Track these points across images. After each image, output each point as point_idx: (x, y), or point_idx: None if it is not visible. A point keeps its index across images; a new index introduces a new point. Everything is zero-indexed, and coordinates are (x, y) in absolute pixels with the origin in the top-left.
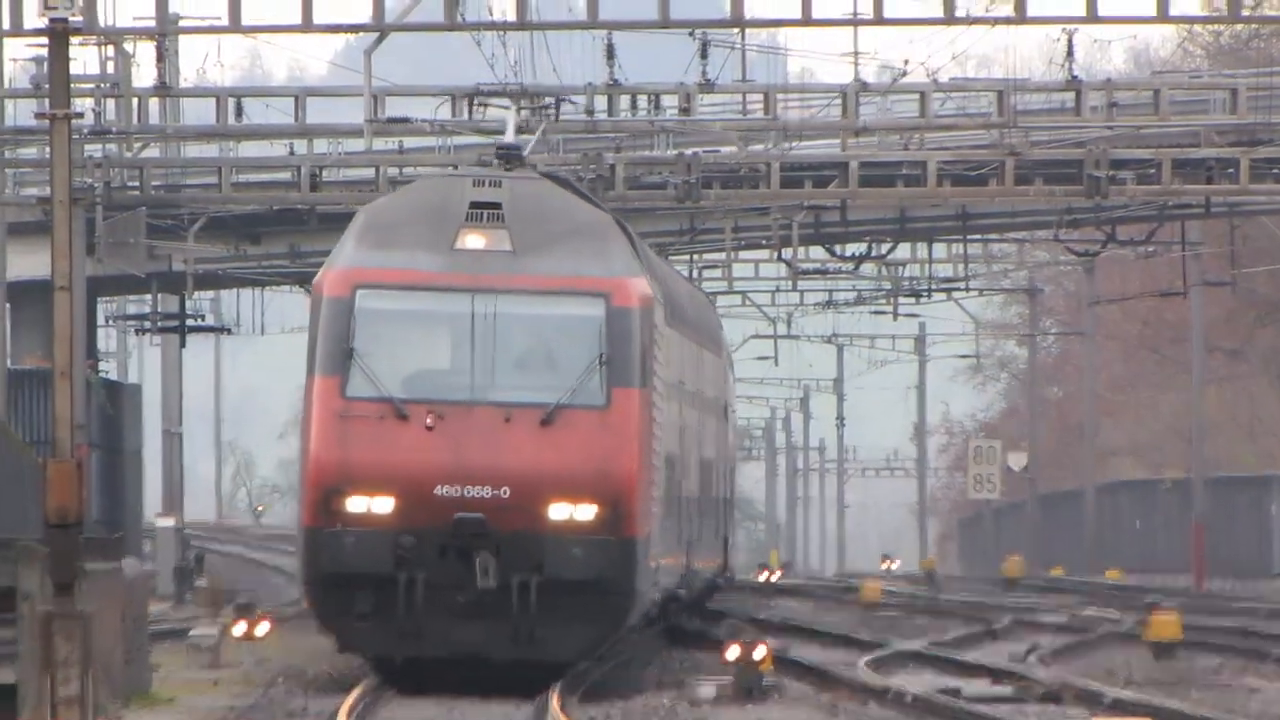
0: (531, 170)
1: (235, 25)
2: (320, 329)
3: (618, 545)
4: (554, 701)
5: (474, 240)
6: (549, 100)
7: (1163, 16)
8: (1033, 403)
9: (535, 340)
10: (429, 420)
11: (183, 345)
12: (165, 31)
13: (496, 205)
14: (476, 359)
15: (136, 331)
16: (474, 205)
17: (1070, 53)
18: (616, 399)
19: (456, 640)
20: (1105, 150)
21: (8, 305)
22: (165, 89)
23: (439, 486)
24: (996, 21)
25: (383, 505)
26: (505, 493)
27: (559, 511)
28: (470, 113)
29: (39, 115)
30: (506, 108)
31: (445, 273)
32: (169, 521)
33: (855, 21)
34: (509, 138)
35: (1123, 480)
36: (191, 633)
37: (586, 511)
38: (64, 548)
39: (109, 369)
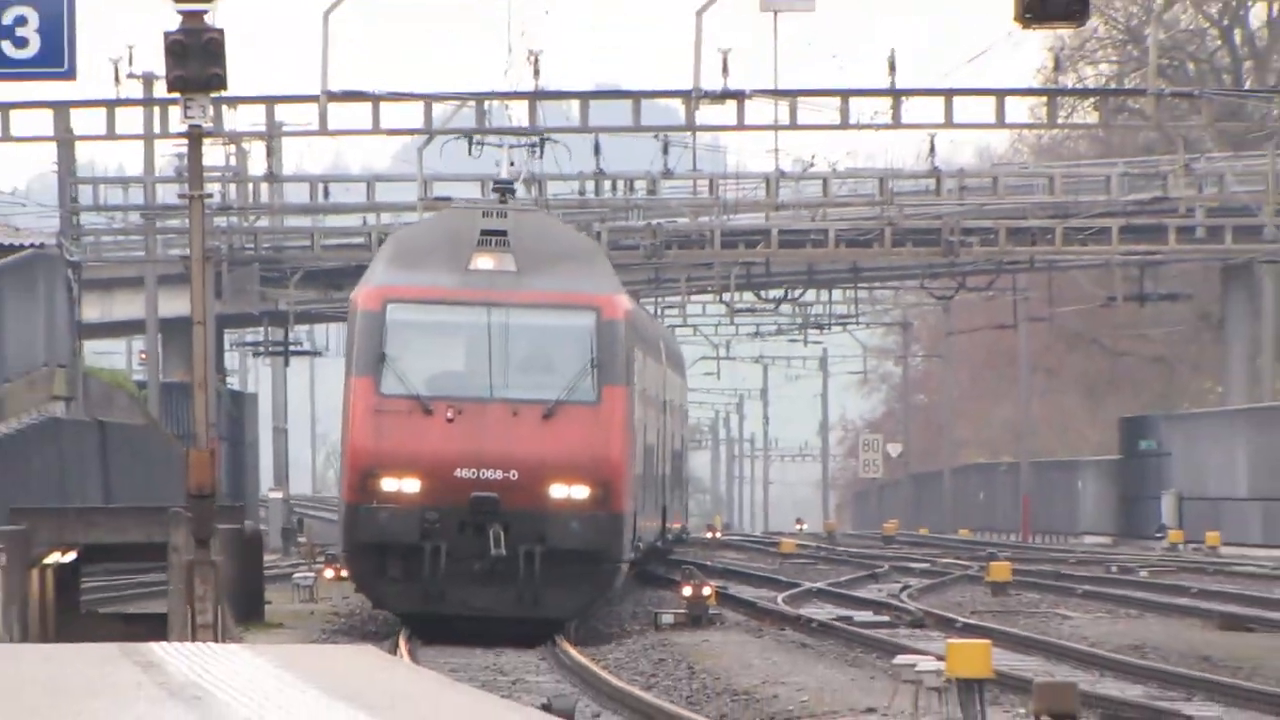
0: (530, 203)
1: (323, 130)
2: (357, 337)
3: (608, 520)
4: (564, 644)
5: (484, 262)
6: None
7: (1000, 123)
8: (905, 408)
9: (537, 346)
10: (449, 414)
11: (286, 365)
12: (273, 134)
13: (503, 233)
14: (488, 362)
15: (253, 354)
16: (484, 233)
17: (933, 150)
18: (606, 396)
19: (473, 601)
20: (958, 221)
21: (160, 336)
22: (272, 176)
23: (458, 470)
24: (879, 127)
25: (411, 485)
26: (514, 475)
27: (559, 491)
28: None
29: (181, 196)
30: (500, 146)
31: (461, 289)
32: (278, 494)
33: (776, 127)
34: (504, 174)
35: (971, 464)
36: (294, 576)
37: (581, 492)
38: (201, 513)
39: (234, 382)
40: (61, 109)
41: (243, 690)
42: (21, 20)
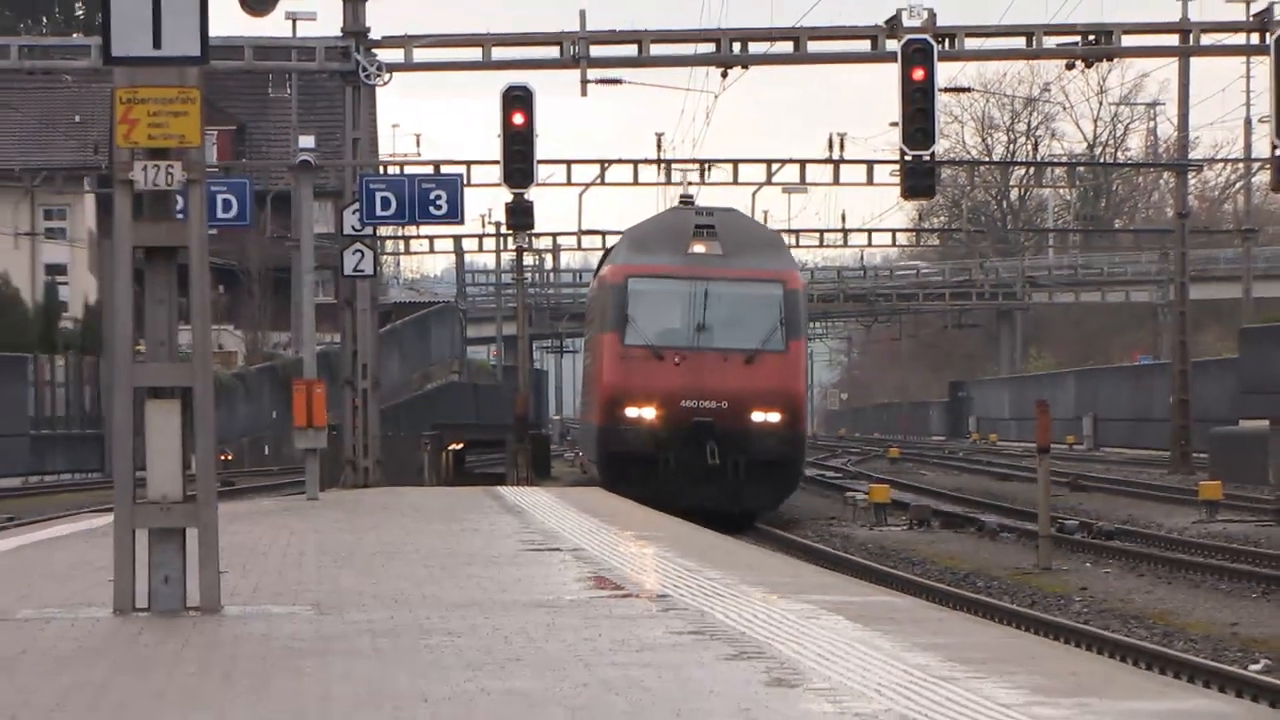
0: (732, 208)
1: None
2: (606, 303)
3: (793, 438)
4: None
5: (699, 248)
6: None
7: (894, 244)
8: (850, 376)
9: (740, 309)
10: (676, 359)
11: (560, 357)
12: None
13: (711, 226)
14: (706, 321)
15: (546, 351)
16: (697, 227)
17: (862, 257)
18: (791, 346)
19: (692, 497)
20: (874, 291)
21: (502, 345)
22: (552, 270)
23: (683, 401)
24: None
25: (648, 412)
26: (724, 405)
27: (758, 416)
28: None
29: (510, 279)
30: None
31: (683, 267)
32: (556, 417)
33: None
34: (688, 193)
35: (881, 404)
36: (565, 455)
37: (774, 417)
38: (521, 426)
39: (537, 364)
40: (457, 239)
41: (537, 505)
42: (439, 196)
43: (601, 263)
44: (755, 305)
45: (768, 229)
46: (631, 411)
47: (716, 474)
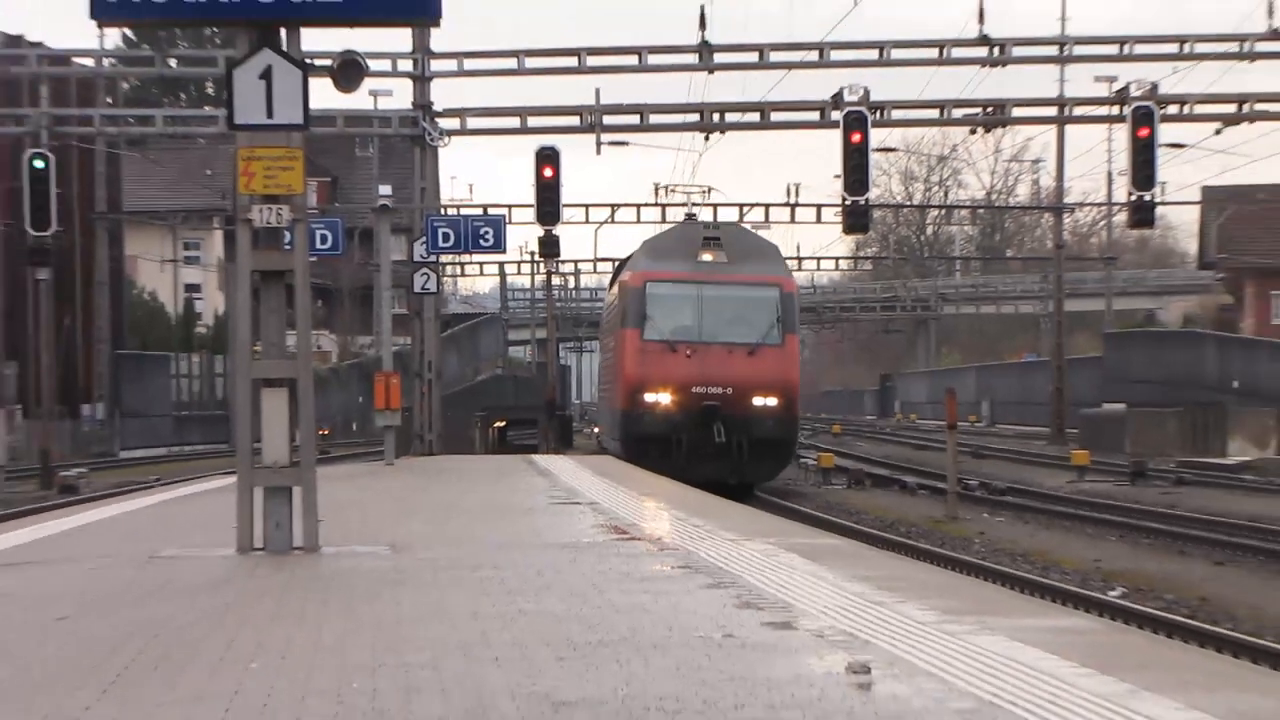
0: (734, 223)
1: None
2: (627, 303)
3: (789, 420)
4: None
5: (707, 256)
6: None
7: (837, 269)
8: (803, 370)
9: (742, 309)
10: (688, 352)
11: (580, 355)
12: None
13: (718, 238)
14: (713, 319)
15: (569, 350)
16: (705, 238)
17: (814, 279)
18: (786, 340)
19: (701, 471)
20: (823, 304)
21: (536, 345)
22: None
23: (694, 388)
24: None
25: (664, 398)
26: (730, 391)
27: (758, 401)
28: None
29: (539, 295)
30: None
31: (694, 273)
32: (577, 401)
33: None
34: (692, 212)
35: (828, 390)
36: (584, 431)
37: (772, 402)
38: (550, 407)
39: (563, 361)
40: (501, 265)
41: (562, 470)
42: (487, 231)
43: (617, 273)
44: (755, 305)
45: (765, 240)
46: (650, 397)
47: (722, 451)
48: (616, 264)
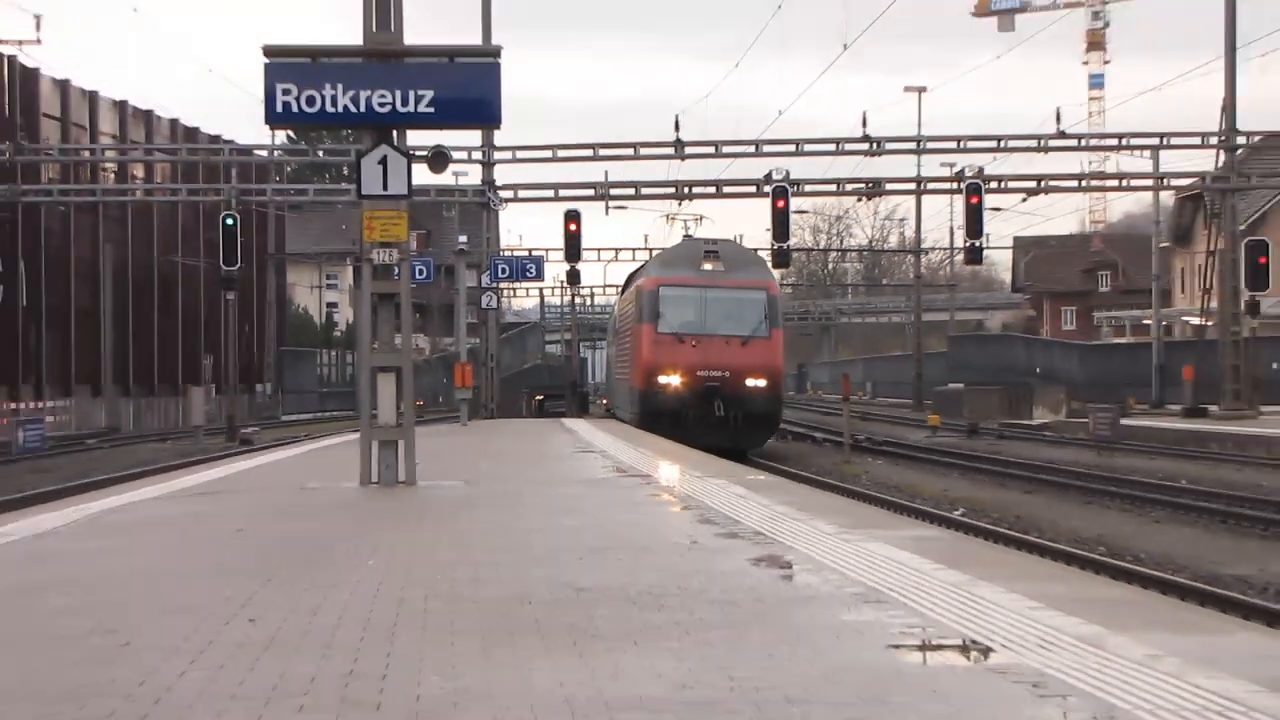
0: (729, 239)
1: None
2: (644, 303)
3: (775, 399)
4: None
5: (708, 265)
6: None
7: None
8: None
9: (736, 308)
10: (693, 342)
11: (592, 349)
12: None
13: (716, 252)
14: (713, 315)
15: (585, 347)
16: (706, 251)
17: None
18: (772, 334)
19: (707, 440)
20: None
21: (567, 345)
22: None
23: (698, 371)
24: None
25: (674, 380)
26: (727, 374)
27: (750, 383)
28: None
29: (565, 311)
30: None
31: (697, 278)
32: (591, 381)
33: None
34: (689, 232)
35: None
36: (598, 402)
37: (761, 383)
38: (571, 385)
39: (586, 356)
40: (541, 290)
41: (582, 430)
42: (531, 267)
43: (628, 283)
44: (747, 305)
45: (754, 253)
46: (662, 379)
47: (721, 423)
48: (628, 275)
